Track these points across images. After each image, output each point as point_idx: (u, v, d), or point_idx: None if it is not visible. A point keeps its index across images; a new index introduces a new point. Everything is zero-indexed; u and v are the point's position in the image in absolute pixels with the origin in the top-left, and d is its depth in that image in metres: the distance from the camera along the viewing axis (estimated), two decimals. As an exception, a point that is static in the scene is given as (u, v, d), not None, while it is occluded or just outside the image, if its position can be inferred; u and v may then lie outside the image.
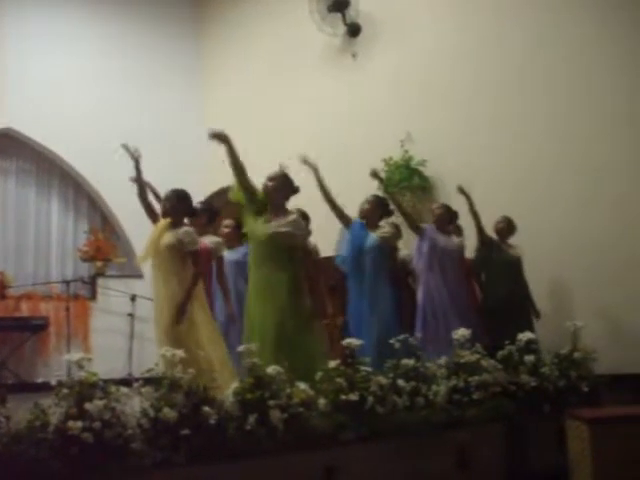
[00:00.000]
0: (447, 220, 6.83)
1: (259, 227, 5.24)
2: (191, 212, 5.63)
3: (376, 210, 6.41)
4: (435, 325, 6.43)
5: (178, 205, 5.46)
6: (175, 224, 5.38)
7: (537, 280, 7.11)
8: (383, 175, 7.50)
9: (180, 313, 5.09)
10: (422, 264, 6.69)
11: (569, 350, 5.76)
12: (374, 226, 6.35)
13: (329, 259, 6.71)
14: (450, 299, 6.51)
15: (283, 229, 5.20)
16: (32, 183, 9.57)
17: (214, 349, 5.14)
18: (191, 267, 5.29)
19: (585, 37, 7.33)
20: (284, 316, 5.06)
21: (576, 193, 7.22)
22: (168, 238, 5.29)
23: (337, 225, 6.45)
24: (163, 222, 5.41)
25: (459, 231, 7.06)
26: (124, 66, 9.97)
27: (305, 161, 6.02)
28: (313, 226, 6.23)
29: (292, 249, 5.24)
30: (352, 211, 6.54)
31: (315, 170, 6.06)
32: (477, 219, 6.92)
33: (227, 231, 6.71)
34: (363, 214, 6.39)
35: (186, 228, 5.40)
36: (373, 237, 6.24)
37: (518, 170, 7.60)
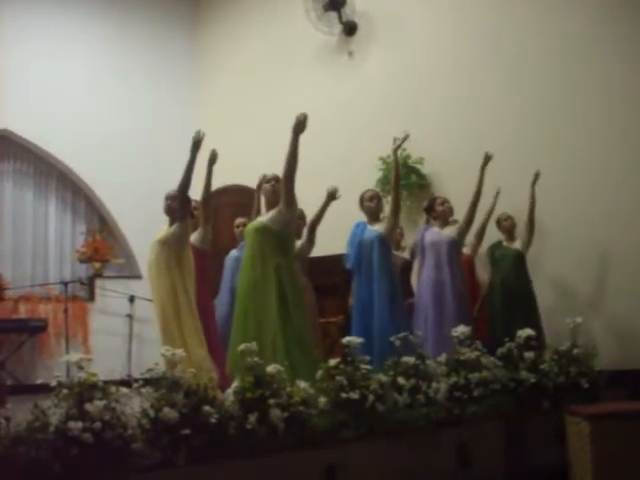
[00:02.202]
0: (449, 214, 6.81)
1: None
2: (192, 214, 5.73)
3: (380, 205, 6.42)
4: (425, 322, 6.44)
5: (185, 206, 5.58)
6: (173, 222, 5.53)
7: (538, 276, 7.12)
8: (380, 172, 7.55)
9: None
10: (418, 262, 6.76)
11: (569, 346, 5.76)
12: (377, 220, 6.35)
13: (336, 257, 6.74)
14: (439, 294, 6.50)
15: (260, 224, 5.38)
16: (29, 185, 9.55)
17: (195, 346, 5.20)
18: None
19: (583, 31, 7.33)
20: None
21: (576, 189, 7.22)
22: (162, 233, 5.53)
23: (346, 223, 6.46)
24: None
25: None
26: (120, 66, 9.95)
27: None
28: (323, 223, 6.28)
29: (266, 241, 5.32)
30: (351, 209, 6.55)
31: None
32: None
33: (242, 229, 6.77)
34: (372, 212, 6.37)
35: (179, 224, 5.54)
36: (372, 230, 6.24)
37: (516, 167, 7.60)
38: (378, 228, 6.22)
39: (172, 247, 5.43)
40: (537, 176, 7.09)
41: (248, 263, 5.35)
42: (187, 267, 5.41)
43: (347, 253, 6.35)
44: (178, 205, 5.54)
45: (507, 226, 7.17)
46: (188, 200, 5.65)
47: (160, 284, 5.34)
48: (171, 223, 5.57)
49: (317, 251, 6.48)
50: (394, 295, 6.09)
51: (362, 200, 6.40)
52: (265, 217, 5.45)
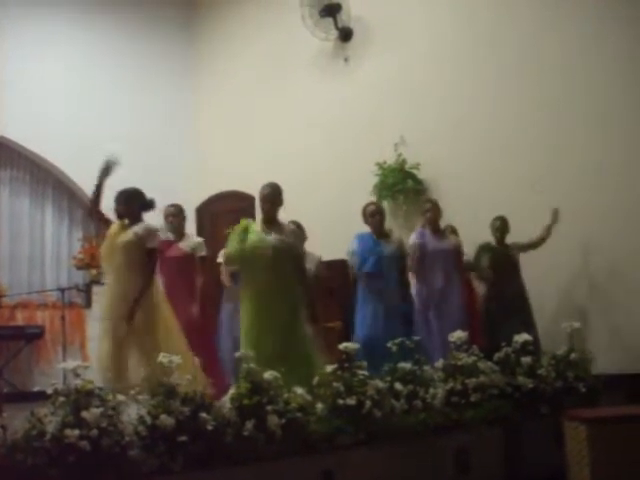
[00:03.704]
0: (436, 219, 6.83)
1: (263, 240, 5.30)
2: (146, 206, 5.51)
3: (382, 219, 6.51)
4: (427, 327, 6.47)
5: (128, 205, 5.42)
6: (132, 223, 5.35)
7: (534, 280, 7.11)
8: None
9: (133, 312, 5.02)
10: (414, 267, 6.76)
11: (566, 351, 5.76)
12: (383, 234, 6.43)
13: (332, 263, 6.75)
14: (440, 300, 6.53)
15: (288, 240, 5.36)
16: (26, 192, 9.53)
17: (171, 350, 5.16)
18: (149, 264, 5.27)
19: (582, 37, 7.32)
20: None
21: (571, 195, 7.22)
22: (126, 236, 5.27)
23: (343, 230, 6.50)
24: (117, 223, 5.42)
25: (454, 232, 7.04)
26: (116, 72, 9.94)
27: None
28: (321, 230, 6.32)
29: (294, 259, 5.37)
30: (348, 215, 6.56)
31: None
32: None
33: None
34: (375, 226, 6.44)
35: (145, 224, 5.37)
36: (390, 248, 6.40)
37: (512, 172, 7.61)
38: (395, 241, 6.50)
39: (138, 249, 5.25)
40: (556, 214, 6.97)
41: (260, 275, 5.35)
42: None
43: (360, 259, 6.36)
44: (125, 208, 5.40)
45: (497, 226, 7.14)
46: (139, 197, 5.49)
47: (128, 288, 5.20)
48: (130, 223, 5.38)
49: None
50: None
51: (365, 215, 6.48)
52: (282, 235, 5.41)
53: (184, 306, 6.01)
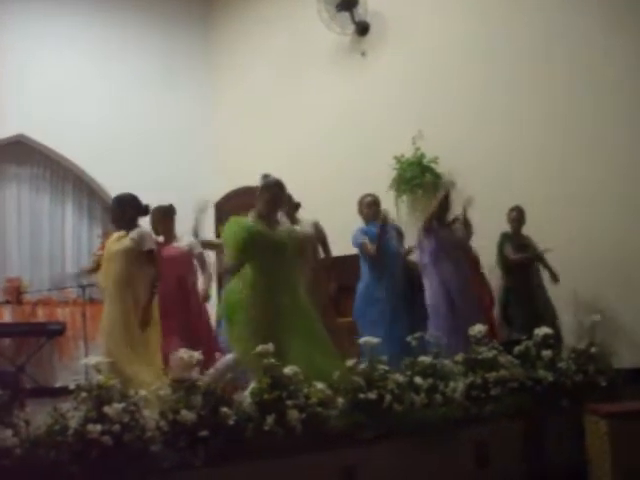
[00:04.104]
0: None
1: (274, 233, 5.14)
2: (141, 211, 5.58)
3: (377, 211, 6.58)
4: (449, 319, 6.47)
5: (122, 209, 5.49)
6: (128, 231, 5.43)
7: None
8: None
9: (146, 317, 5.17)
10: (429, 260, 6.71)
11: (586, 345, 5.73)
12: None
13: (352, 258, 6.77)
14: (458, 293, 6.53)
15: (302, 234, 5.45)
16: (46, 189, 9.61)
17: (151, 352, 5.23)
18: (150, 267, 5.34)
19: (596, 28, 7.30)
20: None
21: (590, 186, 7.19)
22: (123, 243, 5.36)
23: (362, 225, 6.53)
24: (114, 235, 5.50)
25: (467, 225, 7.00)
26: (134, 69, 9.99)
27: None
28: (338, 224, 6.33)
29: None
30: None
31: None
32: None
33: None
34: (374, 217, 6.48)
35: (138, 229, 5.44)
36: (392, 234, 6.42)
37: (530, 165, 7.59)
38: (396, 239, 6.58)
39: (136, 253, 5.35)
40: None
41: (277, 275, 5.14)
42: (149, 271, 5.37)
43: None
44: (119, 214, 5.49)
45: (513, 216, 7.13)
46: (131, 202, 5.55)
47: (127, 294, 5.27)
48: (127, 231, 5.45)
49: (334, 251, 6.52)
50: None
51: (361, 205, 6.55)
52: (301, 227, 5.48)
53: (184, 304, 6.03)
